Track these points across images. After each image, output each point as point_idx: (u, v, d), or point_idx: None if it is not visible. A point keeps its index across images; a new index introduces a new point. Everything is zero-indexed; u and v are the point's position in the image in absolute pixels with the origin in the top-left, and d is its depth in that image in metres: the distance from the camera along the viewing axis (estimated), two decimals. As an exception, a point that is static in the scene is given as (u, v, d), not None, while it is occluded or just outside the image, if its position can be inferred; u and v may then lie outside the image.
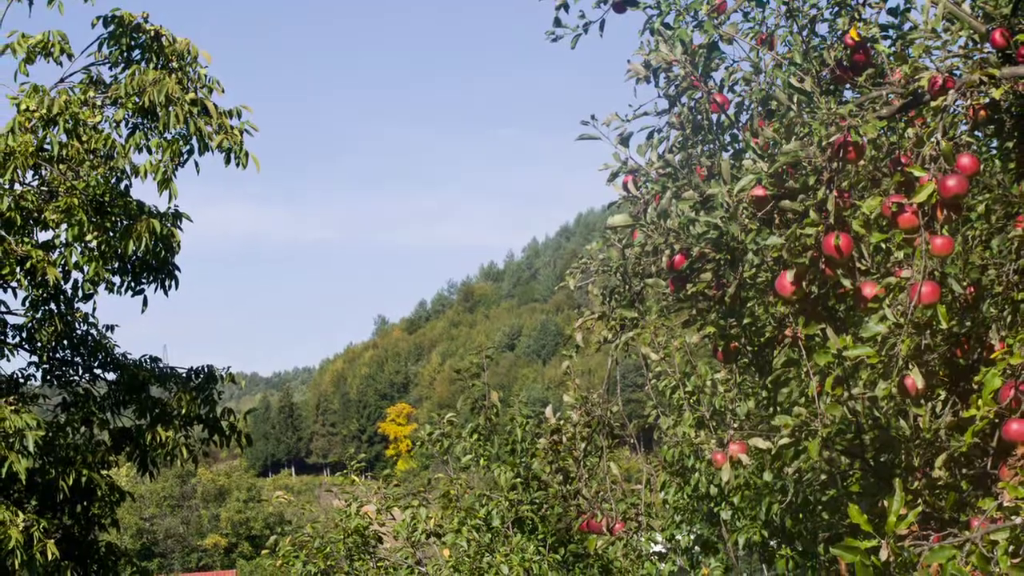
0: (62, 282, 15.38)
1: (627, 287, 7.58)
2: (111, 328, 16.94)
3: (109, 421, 16.81)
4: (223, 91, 15.80)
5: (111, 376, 16.92)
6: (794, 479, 10.71)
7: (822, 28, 8.20)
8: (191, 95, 15.36)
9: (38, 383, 16.89)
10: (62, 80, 15.80)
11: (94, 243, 15.21)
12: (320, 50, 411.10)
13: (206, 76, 15.70)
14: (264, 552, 16.39)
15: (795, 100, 6.79)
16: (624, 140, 7.11)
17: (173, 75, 15.31)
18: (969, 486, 7.66)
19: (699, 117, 7.01)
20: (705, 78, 7.00)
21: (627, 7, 7.52)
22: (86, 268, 15.26)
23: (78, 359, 16.90)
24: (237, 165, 15.61)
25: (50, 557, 13.90)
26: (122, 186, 15.67)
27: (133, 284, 16.29)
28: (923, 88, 6.56)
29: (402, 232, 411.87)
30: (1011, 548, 5.28)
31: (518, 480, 13.60)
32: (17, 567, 13.87)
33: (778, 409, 7.76)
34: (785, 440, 6.87)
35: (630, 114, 7.13)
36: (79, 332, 16.60)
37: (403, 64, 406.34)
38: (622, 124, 7.11)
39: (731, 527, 12.90)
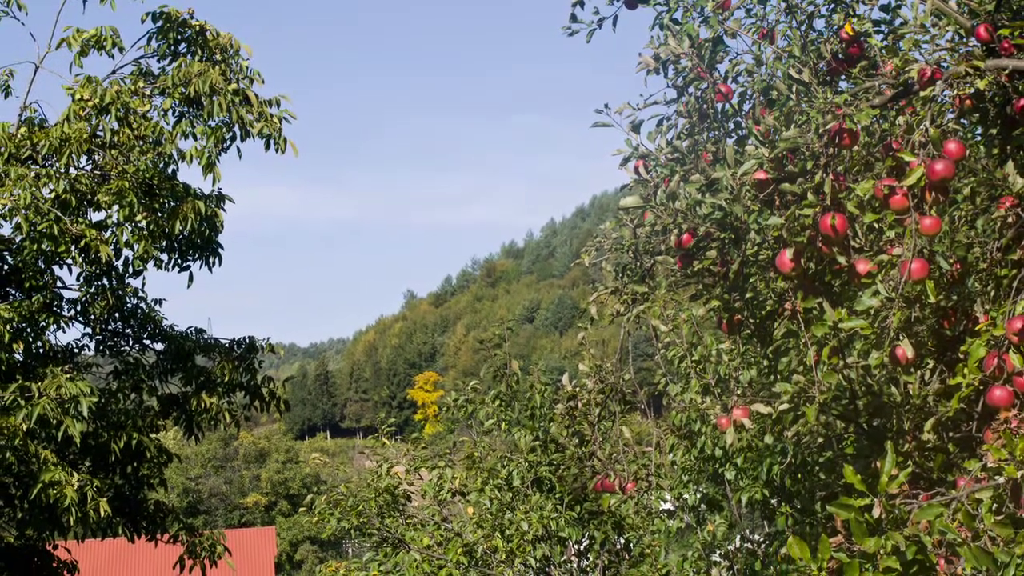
0: (114, 259, 15.43)
1: (638, 264, 7.60)
2: (159, 302, 17.00)
3: (157, 388, 16.88)
4: (263, 82, 15.86)
5: (159, 346, 16.98)
6: (793, 442, 10.71)
7: (819, 23, 8.22)
8: (233, 85, 15.42)
9: (91, 353, 16.97)
10: (114, 72, 15.89)
11: (143, 223, 15.27)
12: (360, 42, 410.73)
13: (247, 68, 15.75)
14: (301, 510, 16.51)
15: (794, 90, 6.80)
16: (635, 127, 7.13)
17: (217, 67, 15.36)
18: (956, 448, 7.67)
19: (705, 106, 7.02)
20: (710, 70, 7.01)
21: (638, 3, 7.52)
22: (136, 246, 15.31)
23: (128, 330, 16.96)
24: (276, 150, 15.67)
25: (103, 514, 14.00)
26: (169, 170, 15.72)
27: (180, 261, 16.33)
28: (913, 79, 6.57)
29: (430, 212, 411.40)
30: (994, 506, 5.30)
31: (537, 443, 13.65)
32: (72, 523, 13.98)
33: (778, 377, 7.79)
34: (785, 406, 6.92)
35: (641, 103, 7.15)
36: (129, 305, 16.66)
37: (432, 56, 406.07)
38: (633, 112, 7.13)
39: (735, 486, 12.91)
